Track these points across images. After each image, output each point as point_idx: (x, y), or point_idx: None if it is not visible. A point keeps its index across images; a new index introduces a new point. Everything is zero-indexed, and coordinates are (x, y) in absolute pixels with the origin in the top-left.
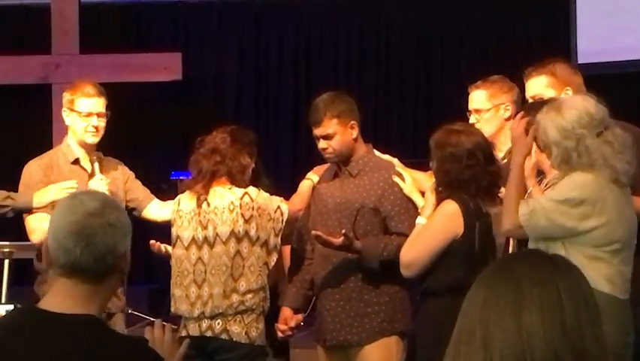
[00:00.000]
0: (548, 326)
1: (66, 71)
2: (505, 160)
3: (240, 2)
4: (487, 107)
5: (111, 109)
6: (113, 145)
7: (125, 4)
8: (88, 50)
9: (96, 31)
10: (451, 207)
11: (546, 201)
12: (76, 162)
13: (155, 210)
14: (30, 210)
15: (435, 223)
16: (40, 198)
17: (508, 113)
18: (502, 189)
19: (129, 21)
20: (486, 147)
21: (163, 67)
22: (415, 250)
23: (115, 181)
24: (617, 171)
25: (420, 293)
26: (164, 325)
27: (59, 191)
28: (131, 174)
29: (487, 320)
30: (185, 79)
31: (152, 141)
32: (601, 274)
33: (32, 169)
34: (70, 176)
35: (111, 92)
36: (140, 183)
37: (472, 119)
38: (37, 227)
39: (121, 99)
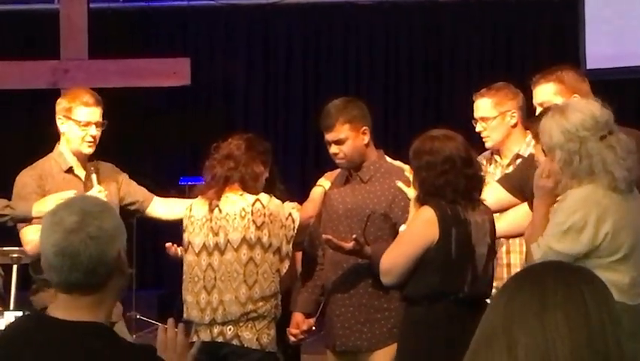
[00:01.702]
0: (574, 328)
1: (75, 76)
2: (511, 166)
3: (248, 7)
4: (493, 115)
5: (120, 114)
6: (121, 150)
7: (134, 9)
8: (97, 55)
9: (105, 36)
10: (426, 213)
11: (552, 239)
12: (70, 170)
13: (161, 208)
14: (29, 220)
15: (411, 230)
16: (39, 207)
17: (514, 120)
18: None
19: (138, 26)
20: (464, 151)
21: (172, 72)
22: (392, 257)
23: (110, 189)
24: (615, 178)
25: (401, 300)
26: (177, 325)
27: (58, 201)
28: (125, 176)
29: (510, 322)
30: (194, 84)
31: (161, 146)
32: (608, 282)
33: (25, 180)
34: (64, 185)
35: (120, 97)
36: (134, 183)
37: (478, 128)
38: (33, 239)
39: (130, 104)
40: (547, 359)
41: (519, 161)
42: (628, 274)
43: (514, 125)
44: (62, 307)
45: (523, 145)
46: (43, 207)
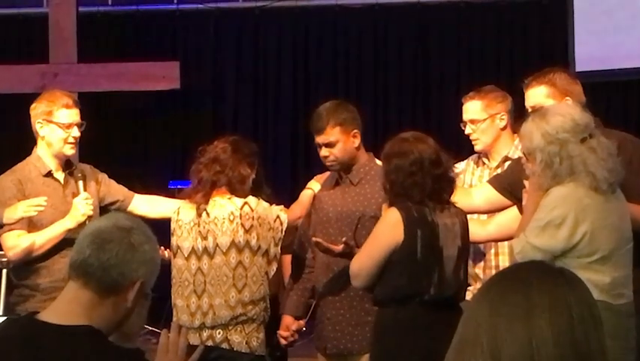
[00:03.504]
0: (557, 336)
1: (64, 81)
2: (499, 169)
3: (238, 11)
4: (483, 118)
5: (108, 117)
6: (110, 154)
7: (123, 13)
8: (86, 59)
9: (94, 40)
10: (392, 215)
11: (531, 234)
12: (49, 174)
13: (143, 206)
14: (0, 226)
15: (377, 232)
16: (9, 214)
17: (503, 123)
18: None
19: (127, 30)
20: (433, 153)
21: (161, 76)
22: (360, 261)
23: (90, 190)
24: (596, 179)
25: (373, 304)
26: (180, 328)
27: (28, 208)
28: (104, 176)
29: (495, 328)
30: (183, 88)
31: (150, 150)
32: (589, 281)
33: (5, 185)
34: (43, 189)
35: (109, 101)
36: (114, 182)
37: (467, 130)
38: (16, 243)
39: (119, 108)
40: None
41: (507, 163)
42: (609, 275)
43: (504, 128)
44: (62, 300)
45: (512, 148)
46: (13, 213)
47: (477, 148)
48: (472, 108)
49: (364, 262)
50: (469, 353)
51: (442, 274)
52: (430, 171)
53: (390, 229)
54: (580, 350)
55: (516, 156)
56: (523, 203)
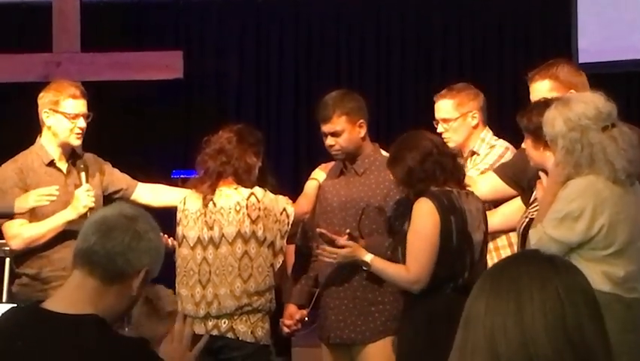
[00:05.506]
0: (551, 329)
1: (67, 70)
2: (468, 160)
3: (241, 1)
4: (454, 116)
5: (112, 108)
6: (113, 144)
7: (126, 2)
8: (89, 49)
9: (97, 29)
10: (424, 205)
11: (548, 225)
12: (51, 163)
13: (147, 194)
14: (11, 216)
15: (420, 228)
16: (20, 203)
17: (475, 121)
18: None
19: (130, 19)
20: (436, 138)
21: (164, 65)
22: (417, 264)
23: (93, 180)
24: (615, 168)
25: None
26: (185, 317)
27: (39, 198)
28: (107, 165)
29: (491, 327)
30: (187, 77)
31: (153, 139)
32: (602, 273)
33: (7, 174)
34: (46, 178)
35: (112, 90)
36: (117, 170)
37: (439, 129)
38: (17, 233)
39: (122, 98)
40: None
41: (474, 157)
42: (623, 268)
43: (475, 126)
44: (67, 289)
45: (478, 141)
46: (24, 203)
47: (449, 146)
48: (444, 107)
49: (423, 264)
50: (470, 354)
51: (472, 259)
52: (445, 150)
53: (429, 218)
54: (573, 338)
55: (482, 150)
56: (538, 196)
